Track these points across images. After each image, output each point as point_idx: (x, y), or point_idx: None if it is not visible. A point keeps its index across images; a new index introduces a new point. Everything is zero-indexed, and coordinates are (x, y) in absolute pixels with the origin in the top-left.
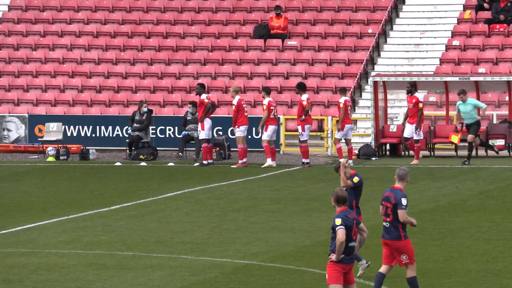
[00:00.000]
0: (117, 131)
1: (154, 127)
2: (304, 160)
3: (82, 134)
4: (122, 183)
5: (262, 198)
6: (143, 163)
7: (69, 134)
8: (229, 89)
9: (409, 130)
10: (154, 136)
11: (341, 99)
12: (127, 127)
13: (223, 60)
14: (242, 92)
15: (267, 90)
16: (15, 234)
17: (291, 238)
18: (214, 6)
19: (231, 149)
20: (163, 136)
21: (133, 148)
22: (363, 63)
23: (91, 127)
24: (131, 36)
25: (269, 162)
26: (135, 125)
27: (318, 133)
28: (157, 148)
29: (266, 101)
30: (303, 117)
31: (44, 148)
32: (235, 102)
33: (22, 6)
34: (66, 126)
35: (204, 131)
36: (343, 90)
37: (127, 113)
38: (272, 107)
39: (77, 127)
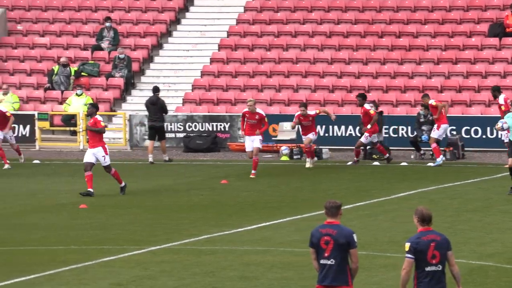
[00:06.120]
0: (350, 130)
1: (387, 126)
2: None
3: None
4: (355, 182)
5: (498, 199)
6: (376, 163)
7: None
8: (463, 88)
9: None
10: (387, 135)
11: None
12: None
13: (456, 59)
14: (476, 92)
15: (497, 89)
16: (251, 232)
17: None
18: (447, 5)
19: (465, 148)
20: (395, 135)
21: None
22: None
23: (324, 126)
24: (363, 36)
25: None
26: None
27: None
28: (390, 148)
29: (501, 98)
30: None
31: (278, 147)
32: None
33: (257, 7)
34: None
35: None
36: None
37: (359, 113)
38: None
39: None
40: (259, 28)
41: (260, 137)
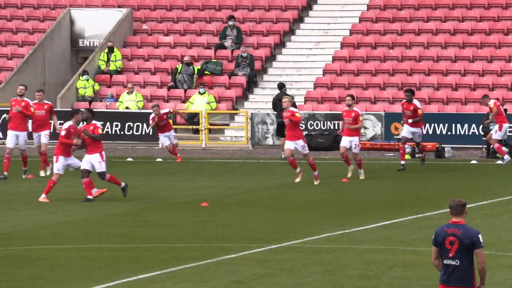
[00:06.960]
0: (473, 129)
1: (511, 125)
2: None
3: (438, 132)
4: (478, 181)
5: None
6: (499, 162)
7: (424, 132)
8: None
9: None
10: (511, 134)
11: None
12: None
13: None
14: None
15: None
16: (371, 231)
17: None
18: None
19: None
20: None
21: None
22: None
23: (446, 125)
24: (488, 34)
25: None
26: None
27: None
28: None
29: None
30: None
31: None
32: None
33: (381, 5)
34: None
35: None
36: None
37: (483, 111)
38: None
39: (432, 125)
40: (382, 26)
41: (301, 142)
